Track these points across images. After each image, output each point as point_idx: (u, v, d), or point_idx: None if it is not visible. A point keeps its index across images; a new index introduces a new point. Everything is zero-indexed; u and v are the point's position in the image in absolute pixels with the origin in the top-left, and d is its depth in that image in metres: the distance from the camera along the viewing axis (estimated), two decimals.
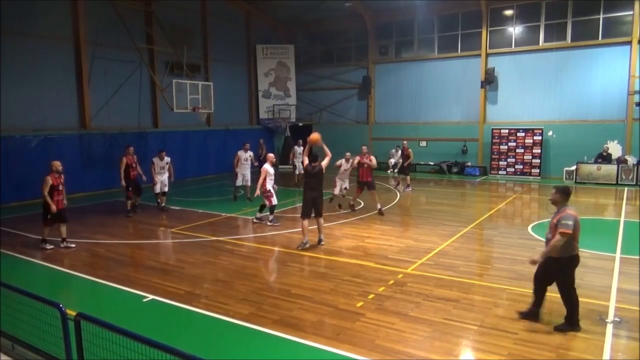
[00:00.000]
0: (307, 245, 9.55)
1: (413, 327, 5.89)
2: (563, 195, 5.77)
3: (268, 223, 11.78)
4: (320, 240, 9.83)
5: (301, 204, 9.95)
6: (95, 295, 7.45)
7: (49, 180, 9.41)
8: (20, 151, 15.12)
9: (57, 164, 9.59)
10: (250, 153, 15.31)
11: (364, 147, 13.52)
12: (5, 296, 5.15)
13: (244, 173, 15.06)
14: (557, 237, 5.47)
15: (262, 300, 6.82)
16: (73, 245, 9.90)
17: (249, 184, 15.07)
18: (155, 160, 13.75)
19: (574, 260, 5.66)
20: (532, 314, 6.00)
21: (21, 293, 4.96)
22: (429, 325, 5.91)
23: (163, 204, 13.92)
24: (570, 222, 5.46)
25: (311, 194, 9.51)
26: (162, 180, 13.73)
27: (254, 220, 12.16)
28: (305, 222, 9.54)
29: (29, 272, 8.48)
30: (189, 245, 10.13)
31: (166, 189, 13.91)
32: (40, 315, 4.70)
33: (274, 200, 11.75)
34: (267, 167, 11.63)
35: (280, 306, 6.60)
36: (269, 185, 11.65)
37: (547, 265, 5.75)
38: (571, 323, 5.72)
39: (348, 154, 13.52)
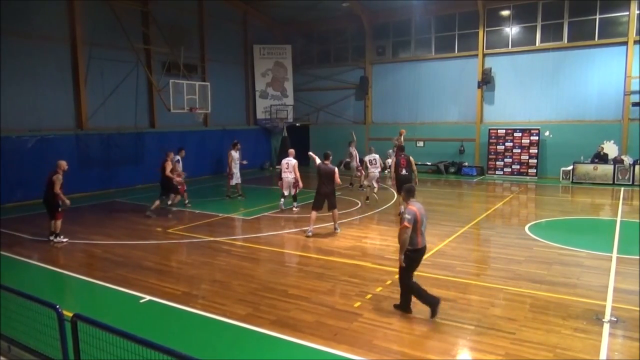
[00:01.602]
0: (310, 234, 10.50)
1: (410, 327, 5.90)
2: (406, 193, 6.43)
3: (294, 209, 13.47)
4: (335, 228, 10.86)
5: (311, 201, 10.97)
6: (92, 296, 7.43)
7: (61, 178, 9.96)
8: (17, 152, 15.06)
9: (64, 164, 10.19)
10: (239, 152, 15.92)
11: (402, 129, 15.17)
12: (1, 297, 5.12)
13: (236, 172, 15.56)
14: (400, 230, 6.06)
15: (260, 301, 6.81)
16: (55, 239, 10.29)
17: (239, 181, 15.79)
18: (179, 158, 14.00)
19: (415, 252, 6.16)
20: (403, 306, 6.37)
21: (18, 294, 4.94)
22: (426, 325, 5.92)
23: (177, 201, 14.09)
24: (409, 217, 5.97)
25: (324, 189, 10.58)
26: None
27: (295, 209, 13.52)
28: (314, 214, 10.60)
29: (25, 273, 8.45)
30: (186, 246, 10.12)
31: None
32: (37, 316, 4.67)
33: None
34: (295, 162, 13.26)
35: (278, 307, 6.60)
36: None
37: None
38: (403, 308, 6.30)
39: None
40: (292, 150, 13.96)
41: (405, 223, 5.94)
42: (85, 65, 17.38)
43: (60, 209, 10.11)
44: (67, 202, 10.07)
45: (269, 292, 7.18)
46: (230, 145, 16.17)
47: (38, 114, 16.08)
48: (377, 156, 14.61)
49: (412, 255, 6.13)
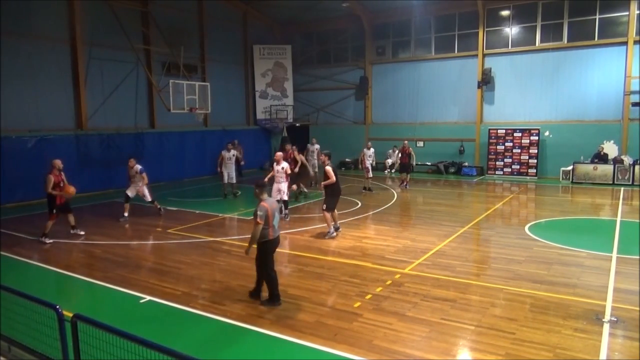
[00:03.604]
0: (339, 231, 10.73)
1: (410, 327, 5.90)
2: (259, 189, 6.70)
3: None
4: (337, 228, 10.75)
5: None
6: (92, 297, 7.43)
7: (52, 179, 9.98)
8: (17, 152, 15.05)
9: (58, 162, 10.23)
10: (233, 152, 16.11)
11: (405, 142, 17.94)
12: (1, 297, 5.12)
13: (229, 171, 15.84)
14: (253, 226, 6.37)
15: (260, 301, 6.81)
16: (82, 233, 10.81)
17: (233, 181, 16.06)
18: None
19: (268, 244, 6.53)
20: (255, 293, 6.82)
21: (17, 294, 4.93)
22: (426, 325, 5.92)
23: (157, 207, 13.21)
24: (261, 212, 6.34)
25: (340, 188, 10.63)
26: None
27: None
28: (335, 213, 10.61)
29: (25, 273, 8.45)
30: (185, 246, 10.11)
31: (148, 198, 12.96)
32: (37, 316, 4.67)
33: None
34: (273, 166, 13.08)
35: (278, 307, 6.60)
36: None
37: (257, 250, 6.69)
38: (272, 299, 6.59)
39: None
40: (277, 154, 13.40)
41: (258, 220, 6.31)
42: (85, 66, 17.38)
43: (54, 211, 10.16)
44: (61, 198, 10.16)
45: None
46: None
47: (38, 114, 16.07)
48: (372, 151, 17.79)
49: (265, 246, 6.52)
